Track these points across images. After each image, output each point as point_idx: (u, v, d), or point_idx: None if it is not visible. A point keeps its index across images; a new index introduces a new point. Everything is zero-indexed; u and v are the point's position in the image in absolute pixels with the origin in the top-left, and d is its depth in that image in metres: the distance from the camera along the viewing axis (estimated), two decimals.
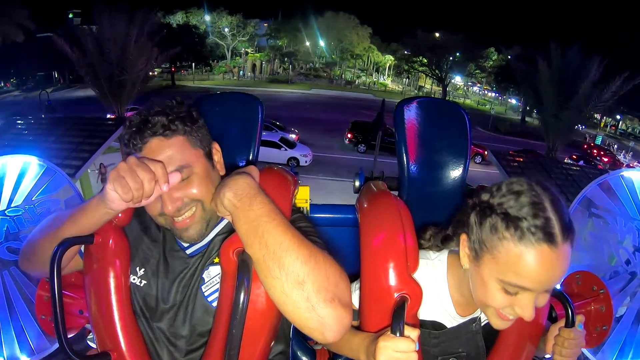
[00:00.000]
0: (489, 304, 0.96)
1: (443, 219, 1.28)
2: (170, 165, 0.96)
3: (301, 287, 0.84)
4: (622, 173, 1.89)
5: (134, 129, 0.98)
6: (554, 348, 1.11)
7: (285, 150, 17.80)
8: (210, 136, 1.10)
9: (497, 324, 1.00)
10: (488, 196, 0.95)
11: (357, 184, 1.72)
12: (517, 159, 8.40)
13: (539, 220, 0.85)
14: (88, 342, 1.30)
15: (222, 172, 1.12)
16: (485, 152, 21.68)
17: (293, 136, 19.94)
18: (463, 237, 1.00)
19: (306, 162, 17.94)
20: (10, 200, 1.68)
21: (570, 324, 1.10)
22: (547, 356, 1.14)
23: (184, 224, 1.03)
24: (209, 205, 1.03)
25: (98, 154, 7.54)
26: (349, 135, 21.89)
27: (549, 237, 0.85)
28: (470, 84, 57.35)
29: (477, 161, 21.57)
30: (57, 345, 1.40)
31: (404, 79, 55.56)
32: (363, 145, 21.20)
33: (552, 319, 1.22)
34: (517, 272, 0.87)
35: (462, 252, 1.01)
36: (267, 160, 16.39)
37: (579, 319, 1.10)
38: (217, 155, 1.11)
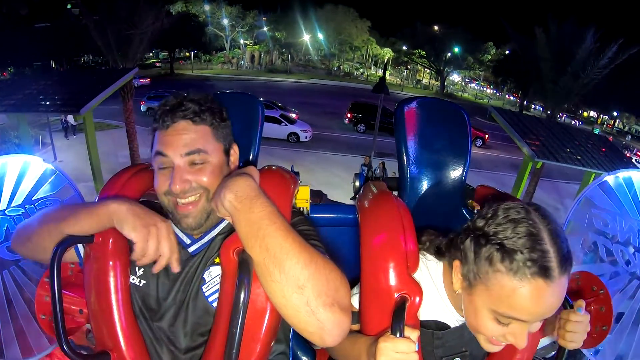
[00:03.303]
0: (480, 332, 0.95)
1: (443, 219, 1.28)
2: (190, 147, 1.01)
3: (301, 291, 0.84)
4: (622, 173, 1.89)
5: (167, 107, 1.04)
6: (558, 332, 1.08)
7: (286, 125, 17.87)
8: (233, 138, 1.15)
9: (489, 348, 0.98)
10: (483, 223, 0.90)
11: (357, 184, 1.71)
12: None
13: (536, 254, 0.82)
14: (88, 342, 1.30)
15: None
16: (486, 136, 21.97)
17: (293, 115, 19.96)
18: (456, 263, 0.98)
19: (306, 137, 18.04)
20: (10, 200, 1.65)
21: None
22: (548, 356, 1.15)
23: (186, 209, 1.04)
24: None
25: (104, 94, 8.18)
26: (349, 115, 21.83)
27: (545, 272, 0.81)
28: (467, 79, 57.17)
29: (478, 144, 21.69)
30: (57, 345, 1.40)
31: (402, 72, 55.40)
32: (362, 125, 21.24)
33: None
34: (511, 305, 0.85)
35: (454, 277, 0.98)
36: (267, 136, 16.56)
37: (579, 303, 1.06)
38: (234, 156, 1.15)
